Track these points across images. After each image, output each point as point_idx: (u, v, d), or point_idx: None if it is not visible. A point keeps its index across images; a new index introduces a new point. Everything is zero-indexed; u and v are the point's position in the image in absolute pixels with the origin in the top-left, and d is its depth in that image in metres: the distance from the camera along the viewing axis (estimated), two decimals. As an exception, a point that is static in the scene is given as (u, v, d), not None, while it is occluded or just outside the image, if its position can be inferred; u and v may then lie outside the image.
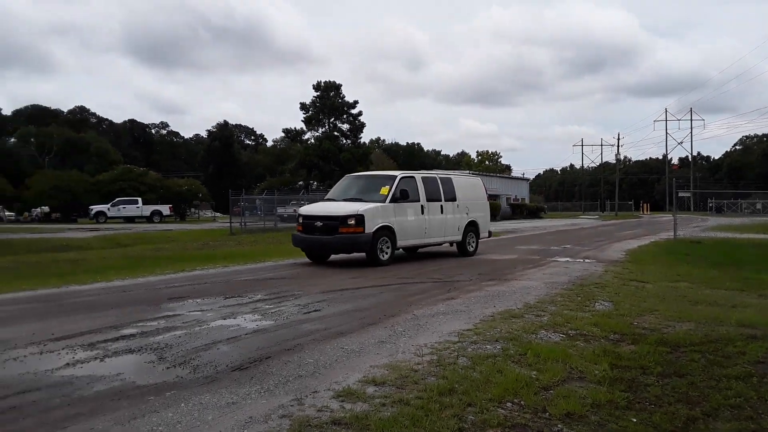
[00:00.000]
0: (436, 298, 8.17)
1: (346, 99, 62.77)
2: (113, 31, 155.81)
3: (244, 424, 3.57)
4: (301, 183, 59.00)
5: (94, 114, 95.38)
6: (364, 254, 12.32)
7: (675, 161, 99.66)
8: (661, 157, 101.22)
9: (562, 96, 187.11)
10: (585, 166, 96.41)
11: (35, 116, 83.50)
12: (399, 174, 13.29)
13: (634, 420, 3.72)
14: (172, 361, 4.98)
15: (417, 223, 13.06)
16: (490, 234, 15.82)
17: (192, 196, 53.84)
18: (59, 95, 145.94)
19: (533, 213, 53.92)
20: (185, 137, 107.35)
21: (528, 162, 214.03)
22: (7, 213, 48.79)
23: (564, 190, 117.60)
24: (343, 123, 63.15)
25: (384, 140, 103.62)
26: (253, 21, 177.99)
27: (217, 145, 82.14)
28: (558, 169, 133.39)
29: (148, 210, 44.76)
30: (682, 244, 19.01)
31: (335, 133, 62.48)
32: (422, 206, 13.24)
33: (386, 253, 12.27)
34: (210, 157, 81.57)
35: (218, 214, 63.81)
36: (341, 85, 62.75)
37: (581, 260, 13.80)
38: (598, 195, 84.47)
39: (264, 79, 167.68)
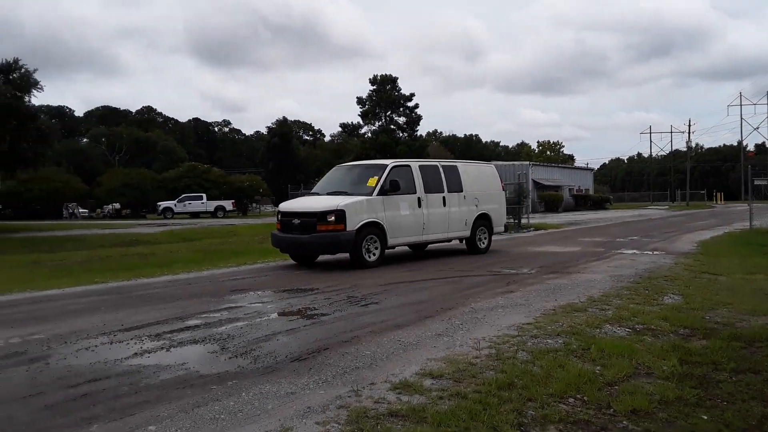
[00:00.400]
0: (495, 291, 8.03)
1: (403, 92, 62.70)
2: (177, 33, 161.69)
3: (303, 413, 3.60)
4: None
5: (160, 114, 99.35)
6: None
7: (750, 148, 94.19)
8: (735, 144, 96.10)
9: (627, 82, 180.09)
10: (653, 154, 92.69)
11: (106, 117, 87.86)
12: (390, 163, 11.81)
13: (705, 417, 3.53)
14: (233, 351, 5.11)
15: (413, 218, 11.55)
16: (506, 229, 14.09)
17: (253, 192, 55.18)
18: (128, 96, 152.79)
19: (598, 204, 52.17)
20: (246, 134, 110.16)
21: (592, 151, 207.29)
22: (80, 210, 51.51)
23: (631, 179, 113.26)
24: (399, 116, 63.14)
25: (441, 132, 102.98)
26: (309, 18, 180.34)
27: (277, 142, 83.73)
28: (624, 158, 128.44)
29: (212, 205, 46.18)
30: (758, 234, 17.94)
31: (392, 127, 62.54)
32: (419, 198, 11.73)
33: (374, 254, 10.82)
34: (270, 153, 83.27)
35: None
36: (397, 79, 62.74)
37: (649, 252, 13.24)
38: (668, 184, 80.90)
39: (321, 75, 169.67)
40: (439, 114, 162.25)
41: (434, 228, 12.08)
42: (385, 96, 61.86)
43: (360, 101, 63.30)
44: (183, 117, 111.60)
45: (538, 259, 12.11)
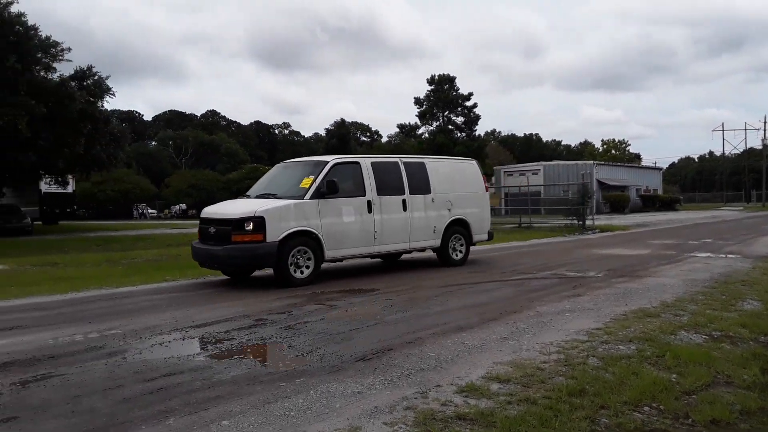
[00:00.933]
0: (561, 294, 7.83)
1: (460, 91, 62.23)
2: (239, 38, 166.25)
3: (370, 413, 3.61)
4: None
5: (223, 117, 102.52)
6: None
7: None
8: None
9: (697, 78, 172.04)
10: (726, 153, 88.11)
11: (172, 121, 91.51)
12: (332, 159, 9.77)
13: (795, 432, 3.31)
14: (300, 349, 5.19)
15: (360, 226, 9.64)
16: (490, 236, 12.16)
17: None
18: (193, 100, 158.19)
19: (667, 205, 50.09)
20: (305, 136, 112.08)
21: (660, 150, 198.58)
22: (149, 210, 53.77)
23: (702, 179, 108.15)
24: (457, 116, 62.69)
25: (499, 132, 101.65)
26: (366, 19, 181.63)
27: (335, 143, 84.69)
28: (695, 157, 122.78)
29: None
30: None
31: (449, 127, 62.17)
32: (369, 202, 9.75)
33: (304, 269, 8.97)
34: (328, 154, 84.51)
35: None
36: (455, 78, 62.30)
37: (724, 255, 12.60)
38: (742, 184, 76.86)
39: (378, 77, 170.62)
40: (497, 113, 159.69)
41: (390, 237, 10.10)
42: (442, 96, 61.57)
43: (417, 101, 63.25)
44: (245, 120, 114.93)
45: (606, 261, 11.73)
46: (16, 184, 31.42)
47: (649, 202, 49.62)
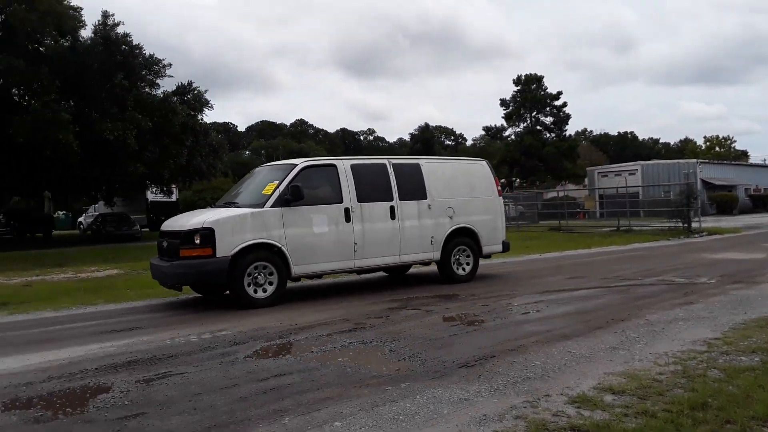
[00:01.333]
0: (672, 302, 7.39)
1: (549, 91, 60.51)
2: (324, 48, 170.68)
3: (479, 421, 3.58)
4: (503, 181, 58.24)
5: (311, 125, 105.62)
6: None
7: None
8: None
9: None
10: None
11: (264, 130, 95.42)
12: (301, 162, 8.70)
13: None
14: (401, 354, 5.23)
15: (336, 237, 8.46)
16: (506, 247, 10.49)
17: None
18: (282, 110, 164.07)
19: (779, 205, 46.13)
20: (390, 141, 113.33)
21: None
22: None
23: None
24: (546, 116, 60.95)
25: (591, 131, 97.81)
26: (447, 23, 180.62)
27: (419, 148, 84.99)
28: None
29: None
30: None
31: (538, 128, 60.58)
32: (347, 210, 8.58)
33: (266, 288, 7.95)
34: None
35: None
36: (543, 77, 60.64)
37: None
38: None
39: (461, 79, 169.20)
40: (588, 112, 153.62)
41: (375, 249, 8.83)
42: (529, 96, 60.10)
43: (503, 103, 62.12)
44: (331, 127, 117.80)
45: (717, 267, 10.97)
46: (126, 194, 33.82)
47: (760, 203, 45.86)
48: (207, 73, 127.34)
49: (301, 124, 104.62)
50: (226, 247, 7.66)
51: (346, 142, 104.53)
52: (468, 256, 9.88)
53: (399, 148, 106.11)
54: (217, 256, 7.62)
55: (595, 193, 32.44)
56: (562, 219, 25.50)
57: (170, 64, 28.90)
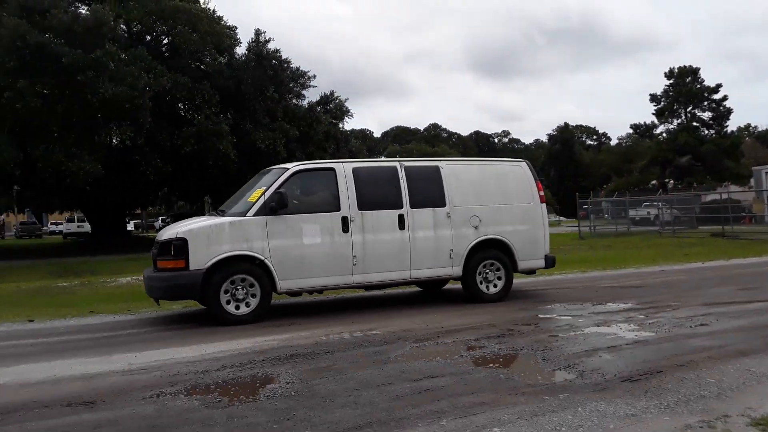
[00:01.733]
0: None
1: (706, 83, 55.36)
2: (456, 51, 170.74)
3: (651, 440, 3.35)
4: (654, 182, 54.14)
5: (444, 129, 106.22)
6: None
7: None
8: None
9: None
10: None
11: (398, 136, 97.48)
12: (293, 166, 8.03)
13: None
14: (555, 363, 5.05)
15: (330, 249, 7.68)
16: (549, 262, 8.94)
17: (538, 201, 54.70)
18: (416, 115, 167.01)
19: None
20: (525, 143, 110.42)
21: None
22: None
23: None
24: (703, 111, 55.89)
25: (756, 127, 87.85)
26: (588, 16, 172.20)
27: (558, 148, 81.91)
28: None
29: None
30: None
31: (694, 124, 55.67)
32: (344, 219, 7.78)
33: (249, 300, 7.35)
34: (551, 160, 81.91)
35: (562, 218, 63.52)
36: (699, 69, 55.66)
37: None
38: None
39: (602, 75, 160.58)
40: (752, 105, 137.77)
41: (378, 263, 7.92)
42: (684, 90, 55.43)
43: (654, 98, 57.90)
44: (464, 130, 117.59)
45: None
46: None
47: None
48: (344, 82, 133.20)
49: (434, 128, 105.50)
50: (201, 259, 7.15)
51: (480, 144, 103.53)
52: (497, 274, 8.57)
53: (535, 149, 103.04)
54: (190, 268, 7.13)
55: (763, 195, 29.07)
56: (726, 224, 23.09)
57: (314, 76, 30.54)
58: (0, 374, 5.23)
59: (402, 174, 8.21)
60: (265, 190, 7.60)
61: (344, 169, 8.00)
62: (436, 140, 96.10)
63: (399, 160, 8.61)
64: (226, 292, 7.25)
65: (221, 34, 27.49)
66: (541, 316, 7.34)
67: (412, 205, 8.12)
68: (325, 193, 7.98)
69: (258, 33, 28.12)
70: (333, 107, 32.15)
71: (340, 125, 32.92)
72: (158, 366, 5.38)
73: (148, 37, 28.20)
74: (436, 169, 8.51)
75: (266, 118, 26.66)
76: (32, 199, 35.40)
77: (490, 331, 6.44)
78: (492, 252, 8.52)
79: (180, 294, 7.49)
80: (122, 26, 25.76)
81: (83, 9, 24.38)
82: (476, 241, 8.39)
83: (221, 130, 23.90)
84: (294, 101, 30.24)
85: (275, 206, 7.39)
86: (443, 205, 8.30)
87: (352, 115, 33.17)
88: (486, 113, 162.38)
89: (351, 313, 8.03)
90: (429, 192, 8.32)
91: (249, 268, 7.35)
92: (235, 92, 26.35)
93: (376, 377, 4.76)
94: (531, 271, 9.17)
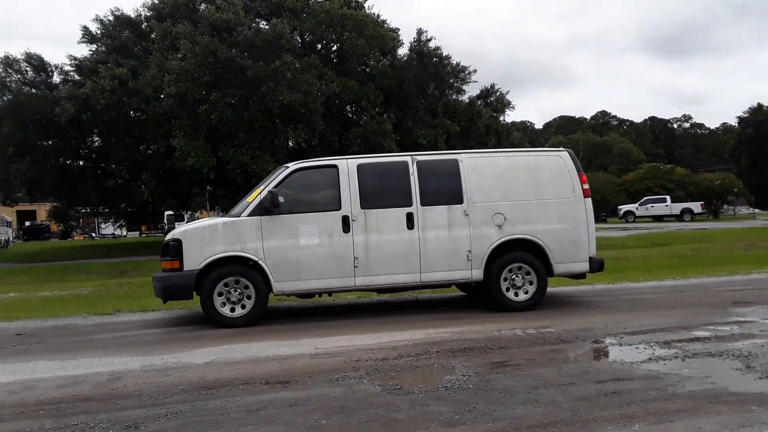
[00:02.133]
0: None
1: None
2: (626, 32, 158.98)
3: None
4: None
5: (614, 117, 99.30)
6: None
7: None
8: None
9: None
10: None
11: (562, 126, 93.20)
12: (292, 165, 7.73)
13: None
14: (762, 371, 4.51)
15: (329, 250, 7.30)
16: (596, 265, 7.82)
17: (725, 192, 49.07)
18: (581, 103, 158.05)
19: None
20: (710, 128, 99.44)
21: None
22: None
23: None
24: None
25: None
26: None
27: (750, 133, 72.70)
28: None
29: (677, 208, 43.17)
30: None
31: None
32: (345, 218, 7.37)
33: (245, 302, 7.21)
34: (742, 146, 73.01)
35: (757, 211, 56.27)
36: None
37: None
38: None
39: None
40: None
41: (383, 266, 7.41)
42: None
43: None
44: (637, 117, 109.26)
45: None
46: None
47: None
48: (503, 74, 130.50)
49: (602, 116, 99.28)
50: (195, 260, 7.17)
51: (656, 131, 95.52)
52: (527, 278, 7.63)
53: (722, 134, 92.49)
54: (184, 269, 7.18)
55: None
56: None
57: (475, 71, 30.33)
58: (208, 353, 5.94)
59: (413, 169, 7.67)
60: (263, 190, 7.49)
61: (348, 165, 7.63)
62: (604, 129, 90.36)
63: (411, 155, 7.98)
64: (220, 294, 7.22)
65: (385, 36, 28.42)
66: (740, 319, 6.56)
67: (424, 203, 7.58)
68: (327, 191, 7.70)
69: (420, 32, 28.61)
70: (494, 100, 31.68)
71: (501, 118, 32.35)
72: (341, 351, 5.74)
73: (319, 45, 30.08)
74: (455, 162, 7.83)
75: (427, 115, 27.08)
76: (222, 197, 39.72)
77: (682, 334, 5.91)
78: (520, 254, 7.67)
79: (174, 294, 7.47)
80: (296, 37, 27.76)
81: (263, 24, 26.76)
82: (499, 241, 7.59)
83: (385, 129, 24.76)
84: (454, 97, 30.33)
85: (268, 206, 7.26)
86: (460, 201, 7.65)
87: (513, 108, 32.42)
88: (663, 97, 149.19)
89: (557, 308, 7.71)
90: (444, 188, 7.73)
91: (243, 269, 7.28)
92: (397, 91, 27.12)
93: (556, 377, 4.61)
94: (574, 276, 8.12)
